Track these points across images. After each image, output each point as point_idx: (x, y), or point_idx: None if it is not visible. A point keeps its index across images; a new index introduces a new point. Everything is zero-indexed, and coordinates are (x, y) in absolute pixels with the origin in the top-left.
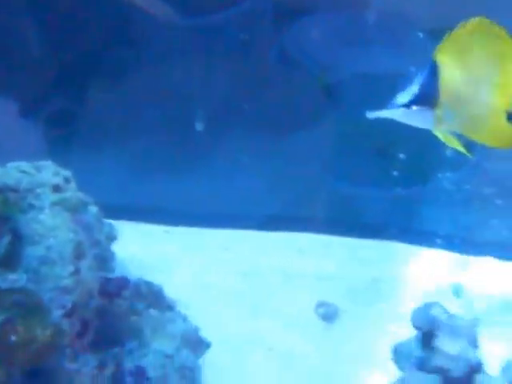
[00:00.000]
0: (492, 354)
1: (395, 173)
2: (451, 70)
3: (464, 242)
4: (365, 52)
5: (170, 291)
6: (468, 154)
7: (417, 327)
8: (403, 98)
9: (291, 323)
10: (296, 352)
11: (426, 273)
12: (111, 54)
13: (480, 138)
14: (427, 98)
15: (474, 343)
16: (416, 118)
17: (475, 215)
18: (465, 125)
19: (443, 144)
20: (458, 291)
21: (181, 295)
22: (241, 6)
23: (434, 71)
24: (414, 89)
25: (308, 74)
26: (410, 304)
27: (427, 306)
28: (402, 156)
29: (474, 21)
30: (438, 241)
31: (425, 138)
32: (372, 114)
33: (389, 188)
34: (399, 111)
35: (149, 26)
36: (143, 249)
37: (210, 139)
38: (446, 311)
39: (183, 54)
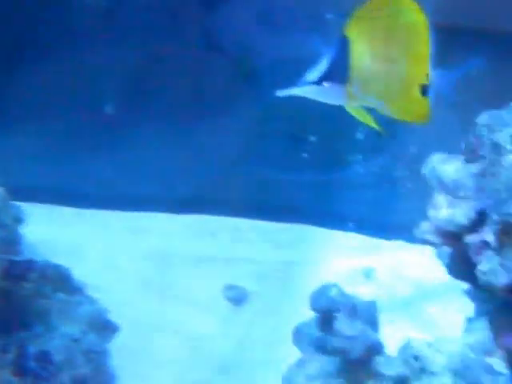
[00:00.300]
0: (393, 336)
1: (307, 156)
2: (360, 44)
3: (375, 226)
4: (284, 35)
5: (79, 274)
6: (381, 131)
7: (315, 309)
8: (313, 74)
9: (200, 306)
10: (203, 335)
11: (338, 256)
12: (23, 35)
13: (393, 112)
14: (338, 74)
15: (373, 325)
16: (328, 95)
17: (386, 199)
18: (377, 99)
19: (355, 127)
20: (368, 274)
21: (89, 278)
22: None
23: (343, 46)
24: (323, 65)
25: (227, 56)
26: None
27: (325, 288)
28: (314, 139)
29: None
30: (350, 224)
31: (337, 122)
32: (282, 92)
33: (301, 171)
34: (310, 88)
35: (65, 7)
36: (53, 231)
37: (121, 121)
38: (343, 292)
39: (101, 36)
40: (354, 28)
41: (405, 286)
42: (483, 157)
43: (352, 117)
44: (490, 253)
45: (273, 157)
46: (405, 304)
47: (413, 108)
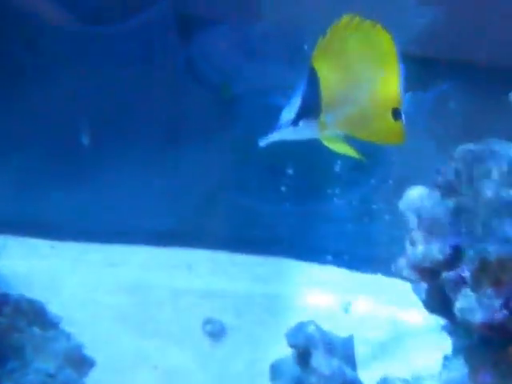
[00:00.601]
0: (370, 372)
1: (286, 188)
2: (328, 73)
3: (354, 259)
4: (264, 63)
5: (55, 308)
6: (360, 158)
7: (292, 345)
8: (289, 113)
9: (177, 341)
10: (181, 370)
11: (316, 289)
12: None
13: (368, 137)
14: (311, 109)
15: (350, 361)
16: (303, 132)
17: (365, 232)
18: (351, 126)
19: (334, 160)
20: (346, 308)
21: (65, 312)
22: (144, 15)
23: (312, 79)
24: (296, 103)
25: (209, 84)
26: (298, 321)
27: (302, 325)
28: (292, 171)
29: (345, 19)
30: (328, 257)
31: (316, 154)
32: (264, 141)
33: (280, 204)
34: (288, 130)
35: (42, 32)
36: (28, 264)
37: (98, 152)
38: (320, 329)
39: (79, 64)
40: (320, 57)
41: (382, 320)
42: (460, 192)
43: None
44: (466, 290)
45: (252, 189)
46: (382, 340)
47: (387, 131)
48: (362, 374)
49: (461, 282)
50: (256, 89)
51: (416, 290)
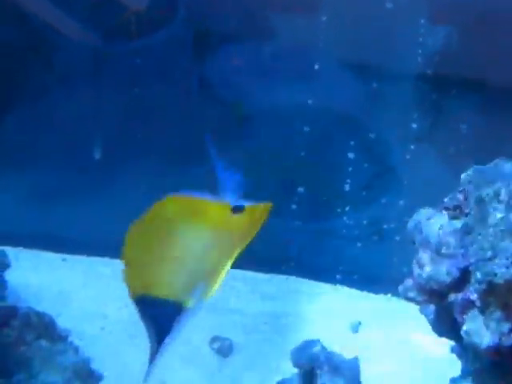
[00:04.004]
0: None
1: (296, 207)
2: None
3: (363, 279)
4: (279, 84)
5: (64, 321)
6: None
7: (297, 365)
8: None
9: (186, 357)
10: None
11: (325, 308)
12: (16, 75)
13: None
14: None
15: (355, 383)
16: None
17: (375, 251)
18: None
19: (345, 179)
20: (355, 328)
21: (75, 326)
22: (159, 33)
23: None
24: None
25: (223, 102)
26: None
27: (307, 344)
28: (303, 190)
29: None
30: (338, 276)
31: (327, 173)
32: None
33: (290, 222)
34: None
35: (60, 47)
36: (39, 277)
37: (111, 166)
38: (325, 349)
39: (90, 80)
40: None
41: (390, 341)
42: (468, 214)
43: (341, 168)
44: (474, 312)
45: None
46: (390, 361)
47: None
48: None
49: (468, 305)
50: (268, 107)
51: (424, 312)
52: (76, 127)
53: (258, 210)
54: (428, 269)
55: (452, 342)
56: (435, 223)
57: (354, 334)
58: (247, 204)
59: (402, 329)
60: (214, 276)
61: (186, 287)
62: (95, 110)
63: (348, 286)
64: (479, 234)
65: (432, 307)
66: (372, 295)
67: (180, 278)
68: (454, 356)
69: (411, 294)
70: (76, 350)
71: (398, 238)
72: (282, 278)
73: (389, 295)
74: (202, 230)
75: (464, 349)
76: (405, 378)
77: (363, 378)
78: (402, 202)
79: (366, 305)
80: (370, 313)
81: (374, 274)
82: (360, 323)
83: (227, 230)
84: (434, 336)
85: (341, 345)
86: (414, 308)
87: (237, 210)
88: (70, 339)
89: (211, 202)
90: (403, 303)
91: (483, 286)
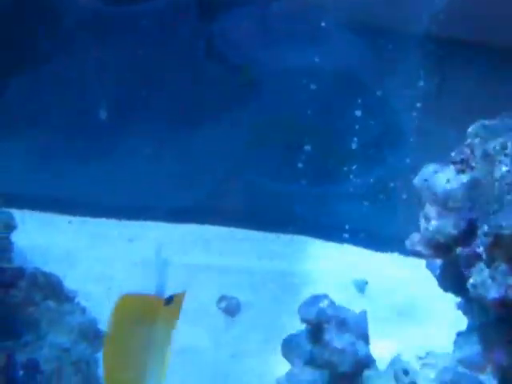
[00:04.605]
0: (384, 349)
1: (303, 166)
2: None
3: (370, 237)
4: (285, 44)
5: (71, 282)
6: None
7: (304, 320)
8: None
9: (192, 317)
10: (196, 346)
11: (332, 267)
12: (21, 38)
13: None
14: None
15: (363, 337)
16: None
17: (382, 210)
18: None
19: (351, 138)
20: (361, 286)
21: (82, 287)
22: None
23: None
24: None
25: (230, 65)
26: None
27: (315, 299)
28: (309, 149)
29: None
30: (345, 235)
31: (333, 132)
32: None
33: (297, 181)
34: None
35: (66, 10)
36: (46, 239)
37: (118, 129)
38: (333, 304)
39: (99, 41)
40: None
41: (397, 298)
42: (474, 167)
43: (348, 127)
44: (480, 265)
45: (268, 166)
46: (396, 317)
47: None
48: (375, 350)
49: (475, 258)
50: (275, 70)
51: (430, 268)
52: (82, 91)
53: (180, 298)
54: (435, 222)
55: (458, 299)
56: (442, 177)
57: (360, 292)
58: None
59: (408, 286)
60: (163, 363)
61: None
62: (102, 72)
63: (355, 244)
64: (485, 188)
65: (438, 262)
66: (379, 254)
67: (139, 371)
68: (459, 311)
69: (418, 248)
70: (83, 310)
71: (404, 197)
72: (288, 237)
73: (395, 254)
74: (152, 324)
75: (470, 303)
76: (410, 334)
77: (370, 336)
78: (408, 161)
79: (372, 263)
80: (376, 271)
81: (381, 233)
82: (367, 282)
83: (165, 320)
84: (440, 292)
85: (348, 302)
86: (420, 266)
87: (168, 301)
88: (76, 300)
89: (153, 298)
90: (410, 261)
91: (490, 239)
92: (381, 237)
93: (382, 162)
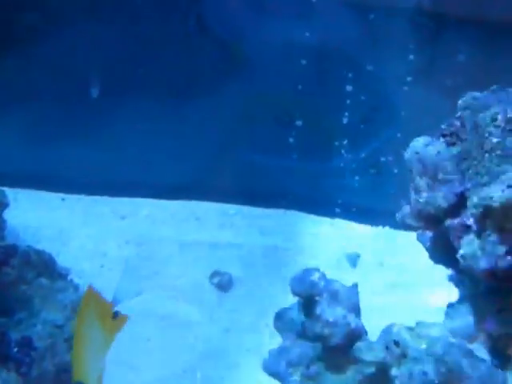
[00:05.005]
0: (376, 321)
1: (294, 141)
2: None
3: (362, 211)
4: (276, 22)
5: (64, 260)
6: None
7: (296, 294)
8: None
9: (185, 292)
10: (188, 321)
11: (324, 241)
12: (13, 14)
13: None
14: None
15: (354, 310)
16: None
17: (373, 184)
18: None
19: (342, 112)
20: (353, 260)
21: (75, 264)
22: None
23: None
24: None
25: (218, 41)
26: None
27: (306, 272)
28: (301, 124)
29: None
30: (337, 210)
31: (324, 107)
32: None
33: (288, 157)
34: None
35: None
36: (38, 217)
37: (108, 105)
38: (325, 277)
39: (89, 16)
40: None
41: (389, 272)
42: (465, 139)
43: (339, 102)
44: (470, 237)
45: (260, 142)
46: (388, 290)
47: None
48: (367, 323)
49: (464, 230)
50: (266, 46)
51: (421, 240)
52: (73, 67)
53: (123, 320)
54: (425, 194)
55: (449, 271)
56: (432, 150)
57: (352, 266)
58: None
59: (399, 259)
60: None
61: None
62: (93, 49)
63: (346, 219)
64: (475, 159)
65: (428, 234)
66: (370, 228)
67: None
68: (451, 283)
69: (408, 221)
70: (76, 287)
71: (395, 171)
72: (280, 212)
73: (387, 227)
74: (100, 325)
75: (461, 275)
76: (402, 306)
77: (362, 308)
78: (399, 135)
79: (364, 237)
80: (368, 245)
81: (372, 207)
82: (359, 256)
83: (109, 329)
84: (431, 264)
85: (340, 277)
86: (412, 239)
87: (115, 315)
88: (69, 277)
89: (107, 306)
90: (401, 234)
91: (479, 210)
92: (372, 211)
93: (373, 136)
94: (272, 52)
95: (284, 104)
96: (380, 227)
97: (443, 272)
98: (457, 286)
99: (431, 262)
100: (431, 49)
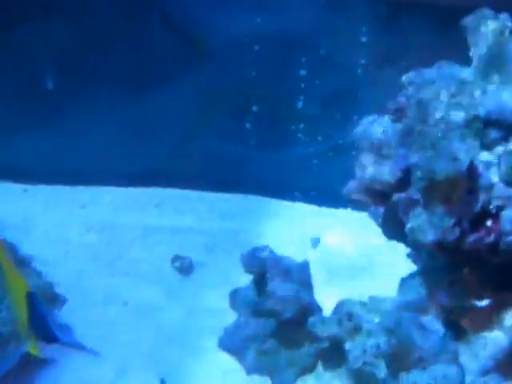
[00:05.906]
0: (330, 296)
1: (252, 126)
2: None
3: (322, 194)
4: (237, 13)
5: (28, 248)
6: None
7: (248, 271)
8: None
9: (147, 277)
10: (151, 305)
11: (285, 225)
12: None
13: None
14: None
15: (306, 285)
16: None
17: (332, 167)
18: None
19: (299, 97)
20: (314, 243)
21: (38, 252)
22: None
23: None
24: None
25: (184, 34)
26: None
27: (256, 250)
28: (257, 110)
29: None
30: (297, 193)
31: (280, 92)
32: None
33: (247, 142)
34: None
35: None
36: (1, 208)
37: (70, 95)
38: (275, 254)
39: (49, 9)
40: None
41: (349, 253)
42: (409, 115)
43: (295, 86)
44: (417, 210)
45: (219, 128)
46: (347, 271)
47: None
48: (321, 298)
49: (412, 203)
50: (229, 38)
51: (373, 217)
52: (29, 58)
53: None
54: (370, 169)
55: (400, 243)
56: (378, 126)
57: (313, 249)
58: None
59: (360, 240)
60: None
61: None
62: (53, 41)
63: (307, 202)
64: (420, 134)
65: (379, 211)
66: (331, 210)
67: None
68: (403, 257)
69: (354, 196)
70: (39, 274)
71: (354, 152)
72: (240, 196)
73: (348, 209)
74: None
75: (411, 248)
76: (361, 287)
77: (317, 282)
78: (356, 117)
79: (325, 220)
80: (329, 227)
81: (332, 190)
82: (320, 238)
83: None
84: (391, 243)
85: (301, 259)
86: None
87: None
88: (33, 265)
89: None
90: (362, 215)
91: (425, 183)
92: (332, 193)
93: (330, 119)
94: (227, 40)
95: (242, 91)
96: (341, 209)
97: (403, 250)
98: (415, 263)
99: (384, 238)
100: (384, 31)
